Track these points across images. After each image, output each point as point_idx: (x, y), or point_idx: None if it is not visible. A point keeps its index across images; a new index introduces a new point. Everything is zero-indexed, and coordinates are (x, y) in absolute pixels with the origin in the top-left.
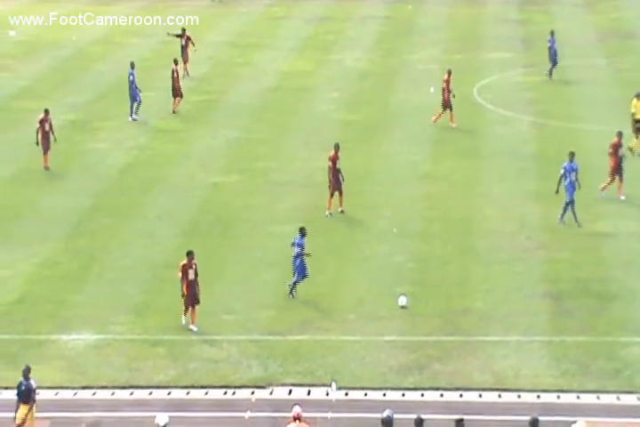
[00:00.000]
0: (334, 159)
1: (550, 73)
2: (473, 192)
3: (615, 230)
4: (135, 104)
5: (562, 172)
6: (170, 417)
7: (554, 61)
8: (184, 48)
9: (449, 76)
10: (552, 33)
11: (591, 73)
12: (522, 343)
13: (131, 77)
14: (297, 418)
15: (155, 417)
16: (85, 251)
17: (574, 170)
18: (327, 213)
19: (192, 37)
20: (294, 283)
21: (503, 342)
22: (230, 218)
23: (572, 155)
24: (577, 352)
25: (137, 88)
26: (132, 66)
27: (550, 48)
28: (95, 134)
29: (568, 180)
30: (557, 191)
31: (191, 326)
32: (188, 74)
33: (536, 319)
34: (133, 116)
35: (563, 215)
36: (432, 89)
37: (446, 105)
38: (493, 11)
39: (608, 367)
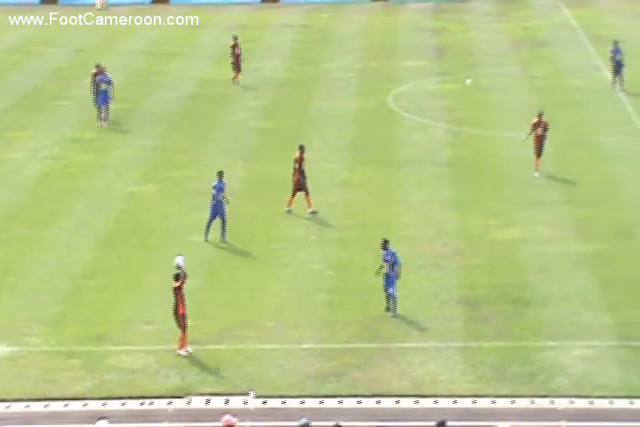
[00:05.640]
0: (299, 160)
1: (613, 85)
2: (390, 199)
3: (529, 236)
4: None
5: None
6: None
7: (616, 72)
8: (238, 56)
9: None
10: (615, 43)
11: (505, 80)
12: (439, 349)
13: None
14: None
15: None
16: (0, 261)
17: None
18: (286, 209)
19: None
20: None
21: (421, 348)
22: (148, 227)
23: None
24: (493, 357)
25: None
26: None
27: (612, 58)
28: (9, 144)
29: None
30: None
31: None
32: (238, 83)
33: (453, 325)
34: (102, 122)
35: None
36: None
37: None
38: (408, 19)
39: (523, 372)
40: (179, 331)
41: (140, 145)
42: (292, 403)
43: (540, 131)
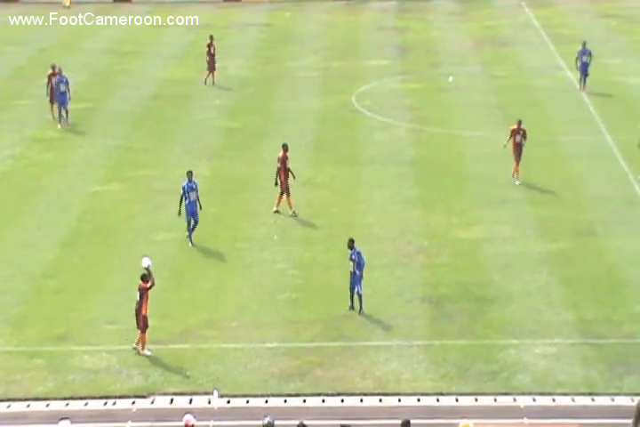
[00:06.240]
0: (283, 159)
1: (580, 86)
2: (354, 198)
3: (491, 235)
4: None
5: None
6: None
7: (583, 73)
8: (213, 56)
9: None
10: (583, 44)
11: (467, 80)
12: (403, 348)
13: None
14: None
15: None
16: None
17: None
18: (290, 212)
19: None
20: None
21: (385, 346)
22: (111, 227)
23: None
24: (456, 356)
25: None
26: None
27: (579, 59)
28: None
29: None
30: None
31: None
32: (214, 83)
33: (417, 323)
34: (63, 123)
35: None
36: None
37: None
38: (371, 18)
39: (486, 370)
40: (138, 331)
41: (102, 144)
42: (256, 402)
43: (518, 138)
